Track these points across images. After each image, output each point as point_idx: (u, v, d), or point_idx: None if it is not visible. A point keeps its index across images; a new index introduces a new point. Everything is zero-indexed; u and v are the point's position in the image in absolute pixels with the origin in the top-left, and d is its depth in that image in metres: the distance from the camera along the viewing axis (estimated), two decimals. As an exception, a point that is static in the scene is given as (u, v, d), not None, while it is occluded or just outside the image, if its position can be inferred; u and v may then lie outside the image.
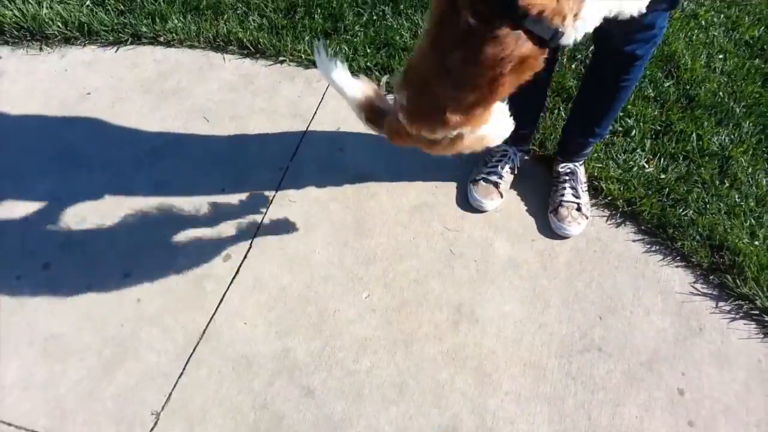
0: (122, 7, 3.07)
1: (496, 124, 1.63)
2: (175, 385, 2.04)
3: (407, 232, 2.41)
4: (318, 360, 2.09)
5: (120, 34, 2.99)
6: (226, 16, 3.03)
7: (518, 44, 1.26)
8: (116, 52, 2.98)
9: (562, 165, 2.47)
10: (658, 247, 2.37)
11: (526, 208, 2.49)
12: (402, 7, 3.11)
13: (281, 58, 2.92)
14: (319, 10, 3.07)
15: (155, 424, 1.98)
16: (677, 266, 2.32)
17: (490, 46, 1.26)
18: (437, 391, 2.03)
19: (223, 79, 2.87)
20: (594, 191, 2.51)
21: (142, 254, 2.33)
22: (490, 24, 1.23)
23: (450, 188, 2.54)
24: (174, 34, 2.98)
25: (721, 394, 2.03)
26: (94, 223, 2.41)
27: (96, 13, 3.02)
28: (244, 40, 2.94)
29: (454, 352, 2.11)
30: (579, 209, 2.39)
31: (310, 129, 2.69)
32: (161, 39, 2.99)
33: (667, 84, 2.87)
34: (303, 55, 2.90)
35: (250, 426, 1.96)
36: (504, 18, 1.23)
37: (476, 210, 2.47)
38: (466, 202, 2.49)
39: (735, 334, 2.16)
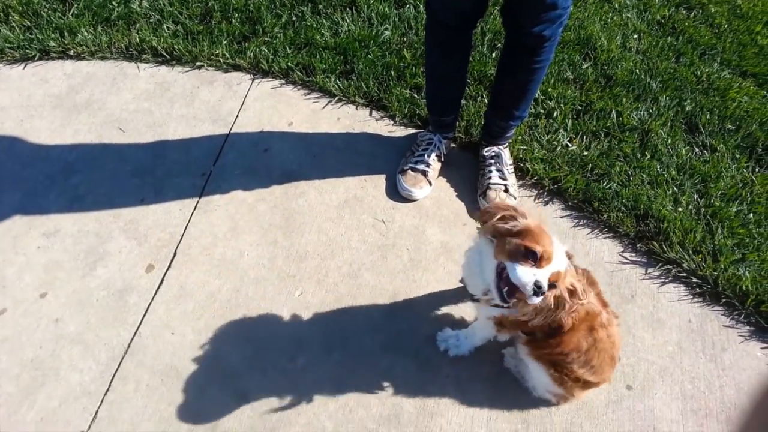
0: (28, 22, 2.95)
1: None
2: (101, 403, 1.93)
3: (338, 226, 2.36)
4: (251, 363, 2.01)
5: (27, 51, 2.86)
6: (138, 25, 2.95)
7: None
8: (24, 69, 2.85)
9: (487, 149, 2.48)
10: (585, 221, 2.40)
11: (455, 193, 2.49)
12: (321, 6, 3.09)
13: (198, 64, 2.85)
14: (236, 14, 3.02)
15: (82, 445, 1.87)
16: (605, 237, 2.35)
17: None
18: (376, 381, 1.99)
19: (138, 89, 2.77)
20: (520, 172, 2.53)
21: (58, 273, 2.21)
22: None
23: (379, 181, 2.51)
24: (84, 47, 2.87)
25: (656, 356, 2.06)
26: (5, 245, 2.28)
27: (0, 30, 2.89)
28: (159, 47, 2.86)
29: (392, 342, 2.08)
30: (506, 190, 2.40)
31: (232, 132, 2.62)
32: (71, 52, 2.87)
33: (585, 66, 2.93)
34: (221, 59, 2.84)
35: (183, 437, 1.87)
36: None
37: (406, 200, 2.45)
38: (395, 193, 2.47)
39: (665, 297, 2.20)
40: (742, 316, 2.15)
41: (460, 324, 2.10)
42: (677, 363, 2.05)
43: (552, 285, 1.42)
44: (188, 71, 2.85)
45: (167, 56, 2.87)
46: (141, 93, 2.76)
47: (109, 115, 2.67)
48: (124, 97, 2.73)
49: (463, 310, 2.14)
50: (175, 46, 2.86)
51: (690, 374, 2.02)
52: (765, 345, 2.09)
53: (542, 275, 1.40)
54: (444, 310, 2.16)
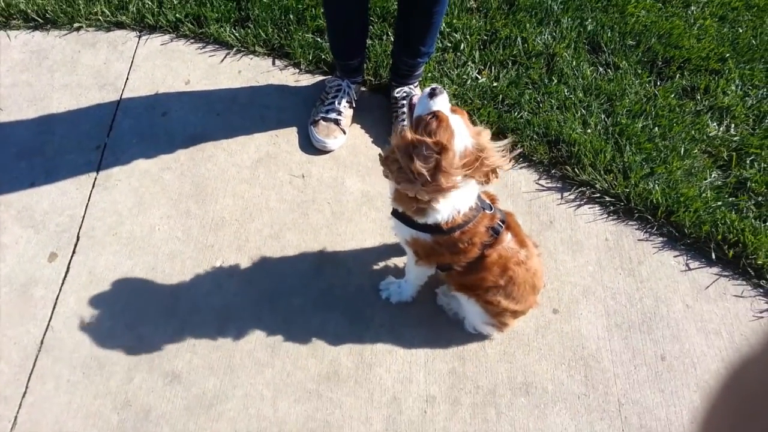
0: None
1: None
2: (19, 407, 1.81)
3: (253, 188, 2.26)
4: (178, 342, 1.93)
5: None
6: (-1, -13, 2.63)
7: None
8: None
9: (398, 90, 2.41)
10: (501, 153, 2.40)
11: (371, 139, 2.42)
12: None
13: (76, 25, 2.59)
14: (110, -34, 2.74)
15: (5, 455, 1.76)
16: (521, 168, 2.37)
17: None
18: (311, 341, 1.96)
19: (12, 59, 2.50)
20: (434, 110, 2.48)
21: (-51, 274, 2.02)
22: None
23: (291, 134, 2.41)
24: (-61, 17, 2.55)
25: (578, 278, 2.13)
26: None
27: None
28: (29, 11, 2.57)
29: (322, 298, 2.04)
30: (421, 130, 2.35)
31: (124, 98, 2.42)
32: (-75, 25, 2.54)
33: (487, -8, 2.87)
34: (101, 18, 2.59)
35: (115, 428, 1.78)
36: None
37: (321, 151, 2.37)
38: (309, 146, 2.38)
39: (582, 219, 2.26)
40: (655, 228, 2.25)
41: (395, 273, 2.08)
42: (598, 281, 2.13)
43: (437, 116, 1.44)
44: (66, 35, 2.59)
45: (40, 20, 2.59)
46: (15, 64, 2.49)
47: (-18, 93, 2.40)
48: (-4, 71, 2.46)
49: (395, 259, 2.13)
50: (48, 8, 2.58)
51: (611, 291, 2.11)
52: (677, 253, 2.20)
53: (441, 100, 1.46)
54: (373, 259, 2.13)
